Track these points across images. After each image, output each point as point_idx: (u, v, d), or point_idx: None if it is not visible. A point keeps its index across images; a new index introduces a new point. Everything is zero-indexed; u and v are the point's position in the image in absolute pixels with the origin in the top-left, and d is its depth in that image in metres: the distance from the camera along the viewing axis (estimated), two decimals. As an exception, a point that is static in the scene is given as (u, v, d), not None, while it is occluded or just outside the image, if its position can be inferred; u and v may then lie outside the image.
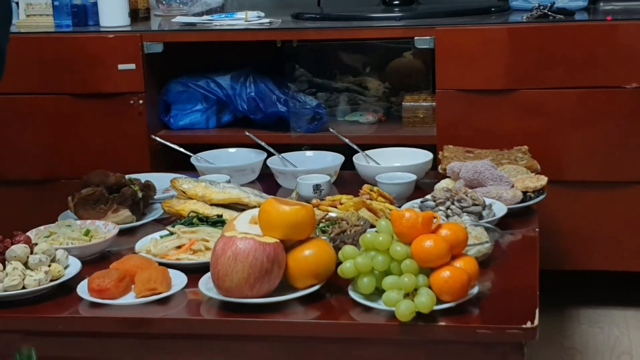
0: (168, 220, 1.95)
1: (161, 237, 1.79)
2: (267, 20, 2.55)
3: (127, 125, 2.49)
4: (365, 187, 1.94)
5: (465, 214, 1.79)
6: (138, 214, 1.97)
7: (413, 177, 2.07)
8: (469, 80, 2.33)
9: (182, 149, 2.35)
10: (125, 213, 1.93)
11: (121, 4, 2.58)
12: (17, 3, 2.73)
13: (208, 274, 1.56)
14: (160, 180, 2.14)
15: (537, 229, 1.85)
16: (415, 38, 2.36)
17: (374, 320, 1.46)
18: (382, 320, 1.45)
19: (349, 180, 2.21)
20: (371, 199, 1.89)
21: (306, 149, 2.41)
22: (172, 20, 2.64)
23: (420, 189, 2.08)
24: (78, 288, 1.58)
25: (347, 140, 2.30)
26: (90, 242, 1.78)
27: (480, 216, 1.80)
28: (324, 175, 2.10)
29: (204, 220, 1.83)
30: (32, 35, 2.53)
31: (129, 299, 1.56)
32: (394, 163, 2.21)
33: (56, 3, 2.63)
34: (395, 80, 2.76)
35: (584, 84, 2.29)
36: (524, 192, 1.95)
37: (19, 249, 1.61)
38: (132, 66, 2.46)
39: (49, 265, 1.62)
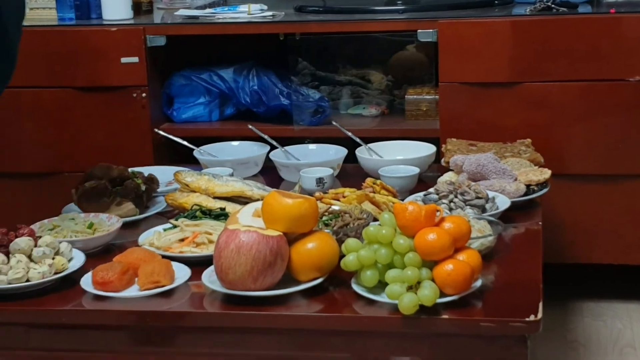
0: (171, 213, 1.95)
1: (164, 230, 1.79)
2: (269, 13, 2.54)
3: (130, 119, 2.49)
4: (368, 180, 1.94)
5: (468, 207, 1.79)
6: (141, 207, 1.97)
7: (416, 170, 2.07)
8: (472, 73, 2.33)
9: (185, 142, 2.35)
10: (128, 206, 1.93)
11: (124, -3, 2.59)
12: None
13: (211, 267, 1.56)
14: (164, 173, 2.14)
15: (540, 222, 1.85)
16: (419, 31, 2.35)
17: (377, 313, 1.46)
18: (385, 313, 1.45)
19: (351, 173, 2.21)
20: (374, 192, 1.89)
21: (309, 142, 2.41)
22: (175, 13, 2.64)
23: (423, 182, 2.08)
24: (82, 281, 1.59)
25: (350, 134, 2.30)
26: (94, 235, 1.78)
27: (483, 209, 1.80)
28: (326, 168, 2.10)
29: (207, 213, 1.83)
30: (35, 29, 2.53)
31: (133, 291, 1.56)
32: (397, 156, 2.21)
33: (59, -4, 2.63)
34: (398, 73, 2.76)
35: (587, 76, 2.29)
36: (527, 185, 1.94)
37: (22, 242, 1.62)
38: (135, 59, 2.46)
39: (53, 258, 1.62)
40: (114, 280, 1.55)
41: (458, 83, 2.35)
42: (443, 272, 1.44)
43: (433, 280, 1.45)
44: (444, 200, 1.81)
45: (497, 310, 1.46)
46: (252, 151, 2.34)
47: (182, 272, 1.60)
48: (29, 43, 2.48)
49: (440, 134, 2.35)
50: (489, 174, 1.96)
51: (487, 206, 1.81)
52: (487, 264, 1.56)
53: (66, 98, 2.51)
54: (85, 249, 1.71)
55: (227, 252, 1.49)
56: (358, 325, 1.48)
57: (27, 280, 1.57)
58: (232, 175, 2.07)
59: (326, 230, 1.63)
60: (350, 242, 1.52)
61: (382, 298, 1.47)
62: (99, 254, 1.74)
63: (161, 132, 2.44)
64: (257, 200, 1.84)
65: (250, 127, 2.36)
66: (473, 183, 1.89)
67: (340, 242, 1.57)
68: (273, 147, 2.31)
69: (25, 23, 2.58)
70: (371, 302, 1.48)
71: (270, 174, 2.26)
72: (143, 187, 1.98)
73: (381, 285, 1.48)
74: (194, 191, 1.94)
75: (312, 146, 2.36)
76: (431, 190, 1.87)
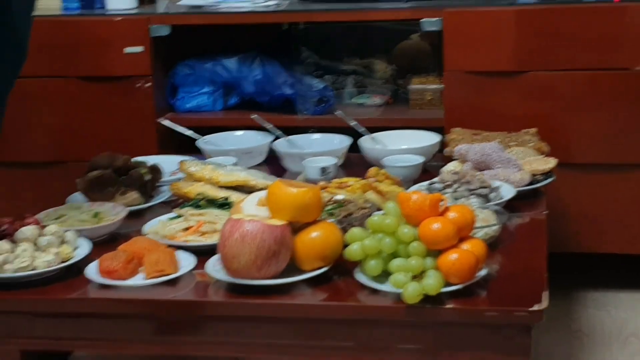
0: (176, 202, 1.95)
1: (169, 219, 1.79)
2: (273, 2, 2.54)
3: (135, 108, 2.49)
4: (372, 169, 1.94)
5: (473, 196, 1.78)
6: (146, 197, 1.97)
7: (420, 159, 2.07)
8: (477, 62, 2.32)
9: (189, 132, 2.35)
10: (133, 195, 1.93)
11: (128, -13, 2.58)
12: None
13: (216, 256, 1.56)
14: (168, 162, 2.15)
15: (545, 212, 1.85)
16: (423, 20, 2.35)
17: (381, 302, 1.46)
18: (389, 303, 1.46)
19: (355, 162, 2.21)
20: (378, 182, 1.89)
21: (313, 132, 2.41)
22: (179, 2, 2.64)
23: (427, 171, 2.08)
24: (87, 270, 1.59)
25: (354, 123, 2.30)
26: (99, 224, 1.79)
27: (488, 199, 1.80)
28: (330, 157, 2.10)
29: (212, 202, 1.83)
30: (40, 18, 2.51)
31: (138, 280, 1.57)
32: (401, 145, 2.21)
33: (63, -15, 2.62)
34: (403, 63, 2.75)
35: (592, 65, 2.28)
36: (532, 175, 1.94)
37: (28, 230, 1.62)
38: (139, 49, 2.46)
39: (59, 247, 1.62)
40: (119, 269, 1.55)
41: (463, 72, 2.34)
42: (447, 261, 1.44)
43: (437, 269, 1.45)
44: (448, 190, 1.81)
45: (501, 300, 1.46)
46: (256, 141, 2.34)
47: (186, 261, 1.61)
48: (33, 33, 2.46)
49: (444, 123, 2.34)
50: (493, 163, 1.96)
51: (492, 195, 1.81)
52: (491, 254, 1.56)
53: (70, 88, 2.51)
54: (91, 238, 1.71)
55: (232, 242, 1.50)
56: (362, 314, 1.48)
57: (33, 269, 1.58)
58: (236, 164, 2.07)
59: (330, 220, 1.63)
60: (355, 231, 1.52)
61: (386, 287, 1.47)
62: (104, 243, 1.75)
63: (165, 122, 2.43)
64: (261, 189, 1.84)
65: (254, 116, 2.36)
66: (477, 172, 1.89)
67: (344, 231, 1.57)
68: (277, 137, 2.31)
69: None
70: (375, 291, 1.48)
71: (274, 164, 2.26)
72: (147, 177, 1.98)
73: (385, 275, 1.48)
74: (198, 180, 1.94)
75: (316, 135, 2.36)
76: (435, 179, 1.87)
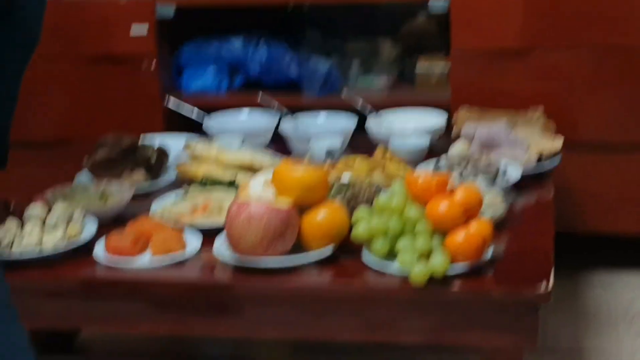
0: (182, 182, 1.95)
1: (176, 199, 1.79)
2: (279, -18, 2.52)
3: (140, 89, 2.49)
4: (379, 149, 1.94)
5: (479, 176, 1.78)
6: (152, 177, 1.97)
7: (427, 139, 2.06)
8: (484, 41, 2.31)
9: (194, 114, 2.35)
10: (140, 175, 1.94)
11: (133, -34, 2.56)
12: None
13: (222, 236, 1.56)
14: (174, 142, 2.14)
15: (552, 191, 1.84)
16: (431, 0, 2.33)
17: (388, 282, 1.47)
18: (396, 283, 1.46)
19: (362, 142, 2.20)
20: (385, 162, 1.88)
21: (319, 112, 2.40)
22: (184, -18, 2.62)
23: (434, 151, 2.07)
24: (95, 249, 1.59)
25: (360, 103, 2.29)
26: (106, 204, 1.79)
27: (494, 178, 1.79)
28: (337, 138, 2.10)
29: (218, 182, 1.83)
30: (45, -2, 2.51)
31: (145, 260, 1.57)
32: (408, 126, 2.20)
33: (68, -34, 2.61)
34: (409, 43, 2.74)
35: (600, 44, 2.26)
36: (539, 154, 1.94)
37: (36, 210, 1.62)
38: (145, 29, 2.45)
39: (66, 227, 1.63)
40: (127, 248, 1.56)
41: (470, 51, 2.33)
42: (454, 241, 1.44)
43: (444, 249, 1.45)
44: (455, 170, 1.81)
45: (508, 280, 1.46)
46: (261, 121, 2.34)
47: (193, 241, 1.61)
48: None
49: (451, 103, 2.34)
50: (500, 142, 1.95)
51: (499, 175, 1.80)
52: (498, 234, 1.55)
53: (76, 68, 2.51)
54: (98, 218, 1.72)
55: (238, 222, 1.50)
56: (368, 294, 1.49)
57: (41, 248, 1.58)
58: (242, 145, 2.07)
59: (337, 200, 1.63)
60: (361, 211, 1.52)
61: (393, 267, 1.47)
62: (111, 223, 1.75)
63: (170, 103, 2.43)
64: (268, 170, 1.84)
65: (260, 97, 2.35)
66: (485, 152, 1.88)
67: (350, 211, 1.57)
68: (283, 117, 2.30)
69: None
70: (382, 271, 1.48)
71: (279, 144, 2.26)
72: (154, 157, 1.98)
73: (392, 255, 1.48)
74: (204, 161, 1.94)
75: (322, 116, 2.35)
76: (442, 159, 1.87)
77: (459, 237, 1.44)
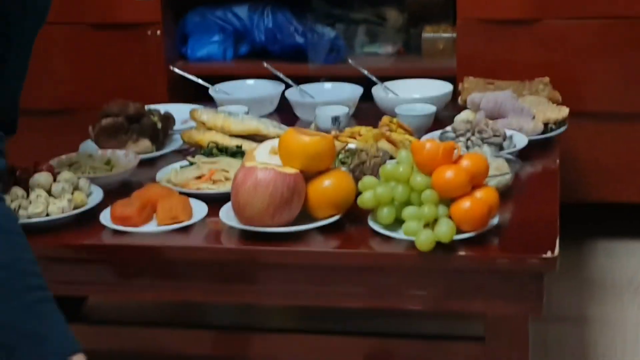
0: (187, 150, 1.95)
1: (181, 167, 1.80)
2: (285, -51, 2.50)
3: (145, 56, 2.48)
4: (385, 118, 1.93)
5: (485, 145, 1.78)
6: (158, 144, 1.97)
7: (433, 108, 2.06)
8: (491, 10, 2.29)
9: (199, 81, 2.34)
10: (145, 143, 1.94)
11: None
12: None
13: (229, 204, 1.57)
14: (179, 111, 2.14)
15: (557, 161, 1.84)
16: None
17: (394, 249, 1.47)
18: (402, 250, 1.46)
19: (367, 112, 2.20)
20: (390, 131, 1.88)
21: (324, 81, 2.40)
22: (189, -51, 2.61)
23: (440, 120, 2.07)
24: (101, 216, 1.60)
25: (366, 72, 2.28)
26: (112, 172, 1.79)
27: (500, 147, 1.79)
28: (342, 106, 2.09)
29: (224, 150, 1.83)
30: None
31: (151, 227, 1.58)
32: (414, 94, 2.20)
33: None
34: (415, 11, 2.72)
35: (605, 13, 2.25)
36: (545, 124, 1.93)
37: (42, 177, 1.63)
38: (150, -4, 2.44)
39: (72, 194, 1.63)
40: (133, 215, 1.56)
41: (476, 20, 2.31)
42: (460, 209, 1.44)
43: (450, 217, 1.45)
44: (461, 138, 1.81)
45: (513, 248, 1.46)
46: (267, 90, 2.33)
47: (199, 209, 1.61)
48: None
49: (457, 72, 2.33)
50: (506, 112, 1.95)
51: (505, 144, 1.80)
52: (504, 202, 1.56)
53: (81, 35, 2.50)
54: (103, 185, 1.72)
55: (245, 189, 1.50)
56: (374, 261, 1.49)
57: (47, 215, 1.59)
58: (247, 113, 2.07)
59: (343, 168, 1.63)
60: (367, 179, 1.52)
61: (399, 235, 1.47)
62: (116, 190, 1.75)
63: (176, 70, 2.42)
64: (273, 138, 1.84)
65: (265, 65, 2.34)
66: (491, 121, 1.88)
67: (356, 180, 1.57)
68: (288, 86, 2.29)
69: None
70: (388, 238, 1.49)
71: (285, 113, 2.25)
72: (159, 125, 1.98)
73: (398, 223, 1.49)
74: (210, 129, 1.94)
75: (327, 85, 2.35)
76: (448, 128, 1.86)
77: (465, 205, 1.44)
